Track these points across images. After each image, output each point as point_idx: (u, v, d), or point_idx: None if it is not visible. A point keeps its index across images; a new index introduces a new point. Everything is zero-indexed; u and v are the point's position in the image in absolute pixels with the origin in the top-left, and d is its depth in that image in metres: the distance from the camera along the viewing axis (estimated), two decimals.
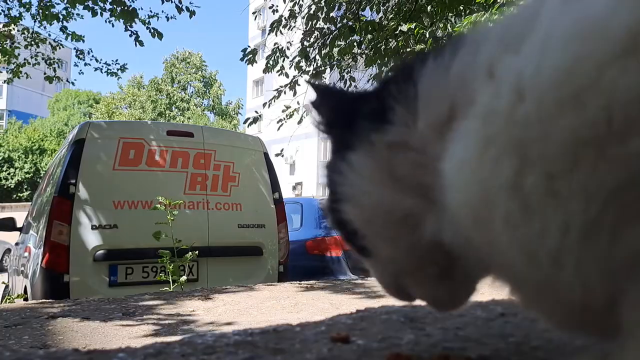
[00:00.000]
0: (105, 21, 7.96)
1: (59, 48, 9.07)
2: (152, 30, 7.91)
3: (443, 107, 0.61)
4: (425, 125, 0.62)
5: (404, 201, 0.64)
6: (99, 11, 7.67)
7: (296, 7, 7.42)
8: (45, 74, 8.91)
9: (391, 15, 7.13)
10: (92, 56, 9.21)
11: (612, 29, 0.43)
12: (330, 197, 0.74)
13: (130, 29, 7.73)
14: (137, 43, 7.88)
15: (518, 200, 0.48)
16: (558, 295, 0.50)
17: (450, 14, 6.66)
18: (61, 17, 8.30)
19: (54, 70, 9.07)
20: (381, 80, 0.78)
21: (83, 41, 8.92)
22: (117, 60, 9.30)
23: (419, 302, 0.81)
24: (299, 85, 7.76)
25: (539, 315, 0.60)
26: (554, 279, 0.49)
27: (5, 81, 9.37)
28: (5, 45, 8.48)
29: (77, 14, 8.44)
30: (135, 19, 7.62)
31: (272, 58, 7.67)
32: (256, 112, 8.03)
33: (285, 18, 7.44)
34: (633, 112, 0.42)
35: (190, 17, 7.61)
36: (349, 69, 7.89)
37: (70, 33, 8.65)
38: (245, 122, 8.24)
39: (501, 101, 0.50)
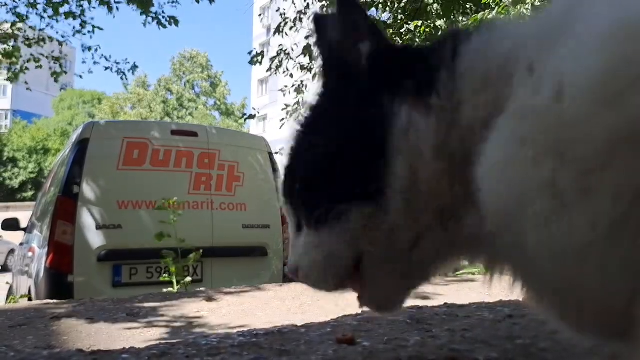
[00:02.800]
0: (117, 8, 8.10)
1: (66, 44, 9.08)
2: (167, 19, 8.15)
3: (486, 94, 0.62)
4: (470, 116, 0.63)
5: (446, 177, 0.65)
6: (114, 6, 7.81)
7: (303, 10, 7.44)
8: (50, 69, 8.89)
9: (398, 14, 7.11)
10: (102, 55, 9.22)
11: None
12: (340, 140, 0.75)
13: (147, 14, 7.96)
14: (160, 27, 8.20)
15: (552, 198, 0.48)
16: (580, 295, 0.50)
17: (456, 12, 6.64)
18: (78, 13, 8.36)
19: (60, 66, 9.05)
20: (435, 42, 0.76)
21: (101, 29, 8.95)
22: (127, 60, 9.36)
23: (422, 303, 0.79)
24: (307, 89, 7.79)
25: (558, 320, 0.60)
26: (578, 276, 0.48)
27: (7, 79, 9.37)
28: (8, 46, 8.48)
29: (93, 8, 8.51)
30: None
31: (277, 60, 7.70)
32: (254, 108, 8.11)
33: (291, 20, 7.46)
34: None
35: (211, 2, 7.70)
36: None
37: (91, 28, 8.67)
38: (242, 117, 8.46)
39: (539, 98, 0.50)
